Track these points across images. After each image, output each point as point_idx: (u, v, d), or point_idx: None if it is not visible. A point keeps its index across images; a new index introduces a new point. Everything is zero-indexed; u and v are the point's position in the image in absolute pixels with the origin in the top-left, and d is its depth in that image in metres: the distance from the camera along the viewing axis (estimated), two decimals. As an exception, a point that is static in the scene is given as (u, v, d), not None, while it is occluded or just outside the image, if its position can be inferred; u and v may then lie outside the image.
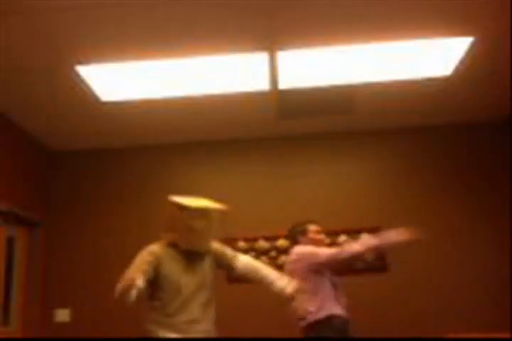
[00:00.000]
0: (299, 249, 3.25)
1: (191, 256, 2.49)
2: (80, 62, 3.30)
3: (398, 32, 3.17)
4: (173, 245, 2.50)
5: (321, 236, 3.41)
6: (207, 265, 2.54)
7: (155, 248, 2.44)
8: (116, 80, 3.53)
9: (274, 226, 4.45)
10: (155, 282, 2.40)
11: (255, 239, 4.39)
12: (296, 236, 3.42)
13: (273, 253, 4.33)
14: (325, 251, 3.15)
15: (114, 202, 4.61)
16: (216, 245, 2.62)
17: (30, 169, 4.33)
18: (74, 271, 4.40)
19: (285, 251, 4.34)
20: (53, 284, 4.37)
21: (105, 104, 3.91)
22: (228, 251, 2.62)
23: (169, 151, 4.77)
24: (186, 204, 2.39)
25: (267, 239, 4.39)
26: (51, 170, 4.74)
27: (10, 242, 4.09)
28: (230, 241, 4.39)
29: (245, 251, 4.35)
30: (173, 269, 2.40)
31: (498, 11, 3.01)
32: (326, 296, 3.14)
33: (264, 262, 4.31)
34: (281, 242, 4.36)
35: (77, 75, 3.47)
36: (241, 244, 4.37)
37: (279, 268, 4.28)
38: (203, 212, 2.42)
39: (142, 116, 4.17)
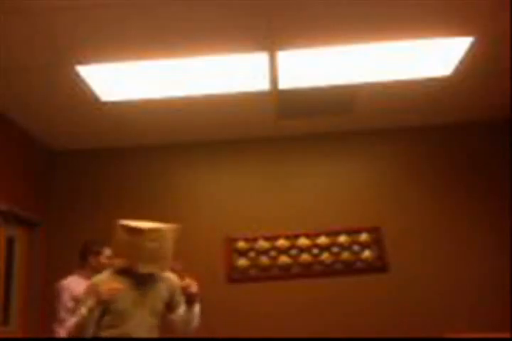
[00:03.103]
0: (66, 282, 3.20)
1: (143, 282, 2.44)
2: (80, 62, 3.30)
3: (398, 32, 3.17)
4: (123, 271, 2.44)
5: (111, 262, 3.37)
6: (161, 290, 2.48)
7: (102, 279, 2.39)
8: (116, 80, 3.53)
9: (274, 226, 4.45)
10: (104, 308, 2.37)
11: (255, 239, 4.39)
12: (86, 254, 3.31)
13: (273, 253, 4.33)
14: (65, 304, 3.12)
15: (114, 202, 4.61)
16: (175, 280, 2.56)
17: (30, 169, 4.33)
18: (74, 271, 4.40)
19: (285, 251, 4.34)
20: (53, 284, 4.37)
21: (105, 104, 3.91)
22: (179, 295, 2.56)
23: (169, 151, 4.77)
24: (139, 227, 2.34)
25: (267, 239, 4.39)
26: (51, 170, 4.74)
27: (10, 242, 4.09)
28: (230, 241, 4.39)
29: (245, 251, 4.36)
30: (122, 299, 2.35)
31: (498, 11, 3.01)
32: None
33: (264, 262, 4.31)
34: (281, 242, 4.36)
35: (77, 75, 3.47)
36: (241, 244, 4.37)
37: (280, 268, 4.28)
38: (156, 234, 2.37)
39: (142, 116, 4.17)
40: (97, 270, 3.30)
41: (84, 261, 3.32)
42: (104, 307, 2.34)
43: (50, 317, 4.27)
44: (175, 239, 2.51)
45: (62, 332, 3.12)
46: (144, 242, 2.33)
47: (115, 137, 4.59)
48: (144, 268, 2.35)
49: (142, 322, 2.36)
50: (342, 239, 4.36)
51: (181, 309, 2.53)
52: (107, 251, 3.34)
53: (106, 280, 2.38)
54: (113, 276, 2.42)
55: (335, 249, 4.33)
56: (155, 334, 2.43)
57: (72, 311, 3.13)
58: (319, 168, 4.64)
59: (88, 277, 3.30)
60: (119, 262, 2.39)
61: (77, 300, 3.15)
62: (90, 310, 2.27)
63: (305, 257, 4.31)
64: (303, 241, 4.36)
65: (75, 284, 3.20)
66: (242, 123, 4.45)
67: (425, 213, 4.43)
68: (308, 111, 4.26)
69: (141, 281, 2.44)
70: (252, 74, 3.55)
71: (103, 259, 3.30)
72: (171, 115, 4.19)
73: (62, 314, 3.11)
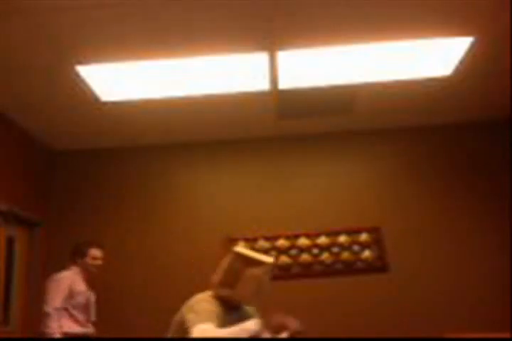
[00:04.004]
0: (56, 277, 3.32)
1: (234, 309, 2.25)
2: (80, 62, 3.30)
3: (398, 32, 3.17)
4: (219, 299, 2.20)
5: (98, 262, 3.43)
6: (248, 317, 2.32)
7: (210, 300, 2.16)
8: (116, 80, 3.53)
9: (274, 226, 4.45)
10: None
11: (255, 239, 4.39)
12: (74, 256, 3.42)
13: (273, 253, 4.33)
14: (54, 302, 3.21)
15: (114, 202, 4.61)
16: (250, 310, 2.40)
17: (30, 169, 4.33)
18: (74, 271, 4.40)
19: (285, 251, 4.34)
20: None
21: (105, 104, 3.91)
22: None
23: (169, 151, 4.77)
24: (263, 260, 2.14)
25: (267, 239, 4.39)
26: (51, 170, 4.74)
27: (10, 242, 4.09)
28: (230, 241, 4.39)
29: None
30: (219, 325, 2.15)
31: (498, 11, 3.01)
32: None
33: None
34: (281, 242, 4.36)
35: (77, 75, 3.47)
36: (241, 244, 4.37)
37: (280, 268, 4.28)
38: (270, 267, 2.19)
39: (142, 116, 4.17)
40: (84, 268, 3.43)
41: (72, 262, 3.46)
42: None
43: (50, 317, 4.27)
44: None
45: (53, 327, 3.15)
46: (263, 275, 2.15)
47: (115, 137, 4.59)
48: (247, 301, 2.17)
49: None
50: (342, 239, 4.36)
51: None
52: (93, 252, 3.42)
53: (210, 305, 2.13)
54: (214, 301, 2.16)
55: (335, 249, 4.33)
56: None
57: (65, 301, 3.22)
58: (319, 168, 4.64)
59: (82, 274, 3.44)
60: (223, 291, 2.16)
61: (74, 293, 3.28)
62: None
63: (305, 257, 4.31)
64: (303, 241, 4.36)
65: (72, 278, 3.36)
66: (242, 123, 4.45)
67: (425, 213, 4.43)
68: (308, 111, 4.26)
69: (232, 309, 2.24)
70: (252, 74, 3.55)
71: (88, 260, 3.41)
72: (171, 115, 4.19)
73: (57, 303, 3.19)
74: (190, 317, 2.03)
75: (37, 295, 4.24)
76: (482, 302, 4.14)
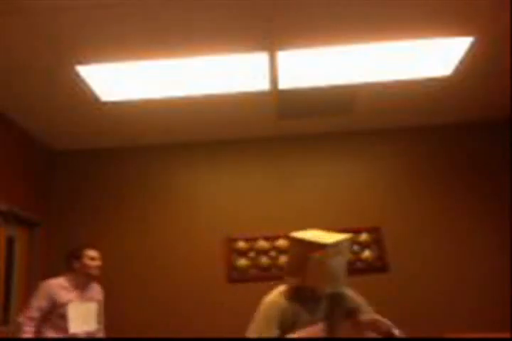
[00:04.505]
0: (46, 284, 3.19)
1: (318, 302, 2.07)
2: (80, 62, 3.30)
3: (398, 32, 3.17)
4: (296, 290, 2.07)
5: (97, 263, 3.30)
6: (340, 308, 2.10)
7: (277, 299, 2.03)
8: (116, 80, 3.53)
9: (274, 226, 4.45)
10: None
11: (255, 239, 4.39)
12: (71, 261, 3.27)
13: (273, 253, 4.33)
14: (28, 311, 3.09)
15: (114, 202, 4.61)
16: (355, 296, 2.18)
17: (30, 169, 4.33)
18: (74, 271, 4.40)
19: (285, 251, 4.34)
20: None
21: (105, 104, 3.91)
22: (363, 304, 2.17)
23: (169, 151, 4.77)
24: (322, 241, 1.96)
25: (267, 239, 4.39)
26: (51, 170, 4.74)
27: (10, 242, 4.09)
28: (230, 241, 4.39)
29: (245, 251, 4.35)
30: (298, 324, 2.01)
31: (498, 11, 3.01)
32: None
33: (264, 262, 4.31)
34: (281, 242, 4.36)
35: (77, 75, 3.47)
36: (241, 244, 4.37)
37: (280, 268, 4.28)
38: (338, 247, 1.99)
39: (142, 116, 4.17)
40: (84, 272, 3.26)
41: (69, 267, 3.30)
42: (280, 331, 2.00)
43: (50, 317, 4.27)
44: (350, 249, 2.13)
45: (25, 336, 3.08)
46: (327, 259, 1.95)
47: (115, 137, 4.59)
48: (323, 289, 1.98)
49: None
50: (342, 239, 4.35)
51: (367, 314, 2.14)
52: (88, 252, 3.29)
53: (272, 309, 2.01)
54: (289, 302, 2.03)
55: (335, 249, 4.32)
56: None
57: (44, 311, 3.10)
58: (319, 168, 4.64)
59: (76, 281, 3.24)
60: (293, 281, 2.03)
61: (56, 303, 3.11)
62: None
63: (305, 257, 4.31)
64: (303, 241, 4.35)
65: (57, 287, 3.16)
66: (242, 123, 4.45)
67: (425, 213, 4.43)
68: (308, 111, 4.26)
69: (316, 302, 2.07)
70: (252, 74, 3.55)
71: (86, 261, 3.26)
72: (171, 115, 4.19)
73: (33, 312, 3.11)
74: (251, 325, 1.98)
75: (37, 295, 4.24)
76: (482, 302, 4.14)
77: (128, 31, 3.00)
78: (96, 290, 3.36)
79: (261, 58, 3.35)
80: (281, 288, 2.08)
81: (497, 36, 3.29)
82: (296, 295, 2.05)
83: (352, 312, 2.13)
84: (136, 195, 4.62)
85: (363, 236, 4.35)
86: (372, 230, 4.37)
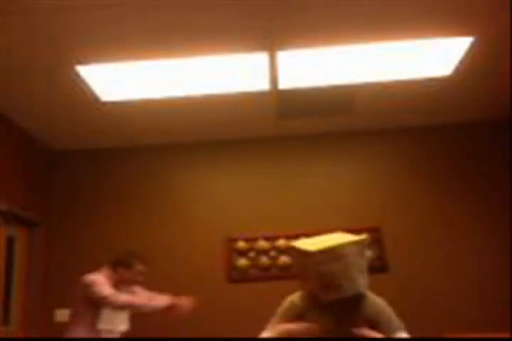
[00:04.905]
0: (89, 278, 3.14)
1: (339, 306, 1.98)
2: (80, 62, 3.30)
3: (398, 32, 3.17)
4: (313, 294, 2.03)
5: (142, 278, 3.29)
6: (360, 314, 1.97)
7: (295, 299, 2.00)
8: (116, 80, 3.53)
9: (274, 226, 4.45)
10: None
11: (255, 239, 4.39)
12: (117, 266, 3.22)
13: (273, 253, 4.33)
14: (104, 290, 3.04)
15: (114, 202, 4.61)
16: (379, 306, 2.01)
17: (30, 169, 4.33)
18: (74, 270, 4.40)
19: (285, 251, 4.34)
20: (53, 284, 4.37)
21: (105, 104, 3.91)
22: (386, 320, 1.96)
23: (169, 151, 4.77)
24: (305, 249, 1.92)
25: (267, 239, 4.39)
26: (51, 170, 4.74)
27: (10, 242, 4.09)
28: (230, 241, 4.39)
29: (245, 251, 4.35)
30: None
31: (498, 11, 3.01)
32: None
33: (264, 262, 4.31)
34: (281, 242, 4.36)
35: (77, 75, 3.47)
36: (241, 244, 4.37)
37: (280, 268, 4.28)
38: (330, 254, 1.92)
39: (142, 116, 4.17)
40: (124, 283, 3.22)
41: (114, 271, 3.24)
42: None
43: (50, 317, 4.27)
44: (360, 252, 2.06)
45: (79, 330, 3.08)
46: (318, 266, 1.89)
47: (115, 137, 4.59)
48: (325, 296, 1.93)
49: None
50: (342, 239, 4.35)
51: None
52: (139, 267, 3.22)
53: (290, 303, 1.98)
54: (307, 301, 1.99)
55: (335, 249, 4.32)
56: None
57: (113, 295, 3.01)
58: (319, 168, 4.64)
59: (113, 281, 3.22)
60: (303, 287, 2.00)
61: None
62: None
63: (305, 257, 4.31)
64: (303, 241, 4.35)
65: (105, 282, 3.12)
66: (242, 123, 4.45)
67: (425, 213, 4.43)
68: (308, 111, 4.26)
69: (336, 306, 1.99)
70: (252, 74, 3.55)
71: (133, 274, 3.20)
72: (171, 115, 4.19)
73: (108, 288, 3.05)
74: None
75: (37, 295, 4.24)
76: (482, 302, 4.14)
77: (128, 31, 3.00)
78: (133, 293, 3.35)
79: (261, 58, 3.35)
80: (302, 291, 2.11)
81: (497, 36, 3.29)
82: (313, 297, 2.00)
83: (368, 323, 2.05)
84: (136, 195, 4.62)
85: (363, 236, 4.35)
86: (372, 230, 4.37)
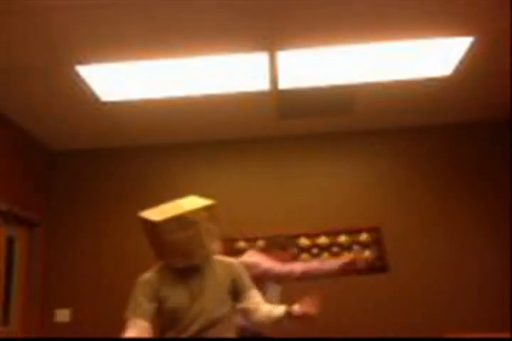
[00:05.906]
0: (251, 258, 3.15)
1: (194, 273, 2.07)
2: (80, 62, 3.30)
3: (398, 32, 3.17)
4: (167, 265, 2.09)
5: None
6: (219, 278, 2.08)
7: (145, 276, 2.08)
8: (116, 80, 3.53)
9: (274, 226, 4.45)
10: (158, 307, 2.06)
11: (255, 239, 4.39)
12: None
13: (273, 253, 4.33)
14: (276, 265, 3.08)
15: (114, 202, 4.61)
16: (238, 265, 2.15)
17: (30, 169, 4.33)
18: (74, 270, 4.40)
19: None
20: (53, 284, 4.37)
21: (105, 104, 3.91)
22: (244, 282, 2.13)
23: (169, 151, 4.77)
24: (151, 219, 1.90)
25: (267, 239, 4.38)
26: (51, 170, 4.74)
27: (10, 242, 4.09)
28: (230, 241, 4.39)
29: (245, 251, 4.35)
30: (174, 295, 2.01)
31: (498, 11, 3.01)
32: None
33: (264, 262, 4.30)
34: (281, 242, 4.36)
35: (77, 75, 3.47)
36: (241, 244, 4.37)
37: (279, 268, 4.28)
38: (176, 222, 1.90)
39: (142, 116, 4.17)
40: None
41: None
42: (158, 307, 2.02)
43: (50, 317, 4.27)
44: (213, 218, 1.97)
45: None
46: (166, 235, 1.88)
47: (115, 137, 4.59)
48: (177, 264, 1.96)
49: (202, 316, 1.99)
50: (342, 239, 4.36)
51: (265, 307, 2.11)
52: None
53: (152, 279, 2.04)
54: (160, 273, 2.06)
55: (335, 249, 4.33)
56: (226, 327, 2.04)
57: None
58: (319, 168, 4.64)
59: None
60: (157, 256, 2.04)
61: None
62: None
63: (305, 257, 4.31)
64: (303, 241, 4.36)
65: None
66: (242, 123, 4.45)
67: (425, 213, 4.43)
68: (308, 111, 4.26)
69: (192, 273, 2.06)
70: (252, 74, 3.55)
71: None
72: (171, 115, 4.19)
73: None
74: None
75: (37, 295, 4.24)
76: (482, 302, 4.14)
77: (127, 31, 3.00)
78: None
79: (261, 58, 3.35)
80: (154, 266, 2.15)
81: (497, 36, 3.29)
82: (167, 269, 2.06)
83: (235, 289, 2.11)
84: (136, 195, 4.62)
85: (363, 236, 4.35)
86: (372, 230, 4.37)
